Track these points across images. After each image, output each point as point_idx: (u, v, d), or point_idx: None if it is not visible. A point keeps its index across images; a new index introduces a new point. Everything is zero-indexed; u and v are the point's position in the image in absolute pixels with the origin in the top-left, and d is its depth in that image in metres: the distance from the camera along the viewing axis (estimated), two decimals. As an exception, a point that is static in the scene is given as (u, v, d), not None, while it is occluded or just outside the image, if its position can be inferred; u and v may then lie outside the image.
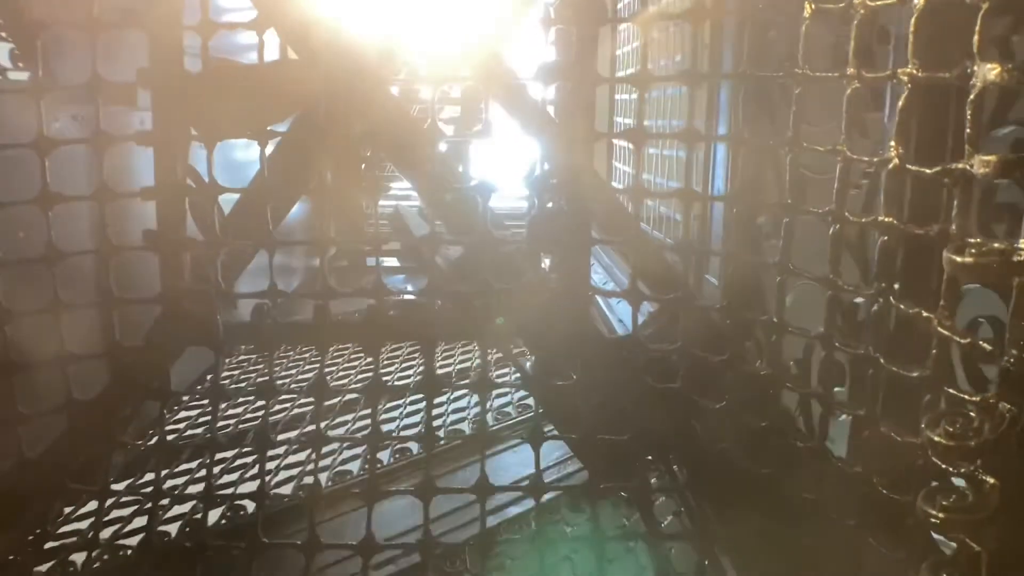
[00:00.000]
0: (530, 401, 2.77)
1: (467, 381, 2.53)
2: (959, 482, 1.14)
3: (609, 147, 4.14)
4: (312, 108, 2.00)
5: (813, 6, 1.52)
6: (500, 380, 2.78)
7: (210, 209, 1.89)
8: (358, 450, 2.51)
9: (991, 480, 1.12)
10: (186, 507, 2.17)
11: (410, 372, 3.29)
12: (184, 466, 2.40)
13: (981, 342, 1.17)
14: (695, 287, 1.81)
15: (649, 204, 3.02)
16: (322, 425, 2.02)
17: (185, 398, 2.78)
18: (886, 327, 1.45)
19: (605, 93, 3.88)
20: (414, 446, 2.47)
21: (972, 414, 1.15)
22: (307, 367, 3.27)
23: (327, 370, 2.04)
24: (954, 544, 1.16)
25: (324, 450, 2.27)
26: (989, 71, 1.07)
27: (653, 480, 2.02)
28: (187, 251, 1.93)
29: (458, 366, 3.31)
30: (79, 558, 1.97)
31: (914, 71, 1.28)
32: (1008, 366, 1.10)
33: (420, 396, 2.75)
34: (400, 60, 2.04)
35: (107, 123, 1.85)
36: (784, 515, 1.73)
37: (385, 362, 3.34)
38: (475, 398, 2.51)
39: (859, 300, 1.54)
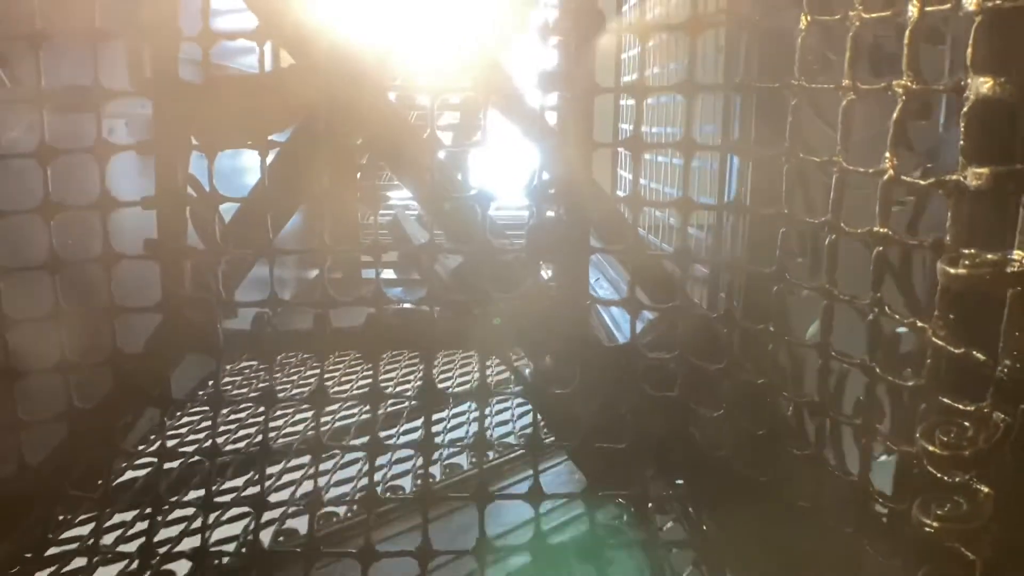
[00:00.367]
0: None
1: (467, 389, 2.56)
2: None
3: (614, 155, 4.12)
4: (312, 117, 2.02)
5: (809, 18, 1.53)
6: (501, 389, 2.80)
7: (211, 218, 1.91)
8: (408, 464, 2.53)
9: (985, 489, 1.13)
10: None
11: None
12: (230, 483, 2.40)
13: (975, 352, 1.18)
14: (709, 304, 1.81)
15: (658, 214, 3.03)
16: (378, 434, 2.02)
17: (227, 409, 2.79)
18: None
19: (609, 99, 3.88)
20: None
21: (966, 424, 1.16)
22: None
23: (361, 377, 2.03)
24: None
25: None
26: (982, 84, 1.08)
27: (652, 487, 2.03)
28: (188, 260, 1.94)
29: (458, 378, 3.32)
30: (80, 562, 1.97)
31: (908, 83, 1.29)
32: (1002, 376, 1.11)
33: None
34: (399, 68, 2.05)
35: (74, 130, 1.85)
36: (783, 522, 1.74)
37: (403, 372, 3.37)
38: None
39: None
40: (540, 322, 1.96)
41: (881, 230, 1.36)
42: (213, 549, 1.95)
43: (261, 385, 3.05)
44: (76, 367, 1.94)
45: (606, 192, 2.03)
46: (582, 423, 1.97)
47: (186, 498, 2.12)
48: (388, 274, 4.31)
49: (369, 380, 2.03)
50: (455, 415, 2.93)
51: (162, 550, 1.97)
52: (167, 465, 2.10)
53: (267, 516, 2.06)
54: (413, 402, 2.50)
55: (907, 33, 1.28)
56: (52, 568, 1.95)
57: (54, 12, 1.85)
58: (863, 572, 1.57)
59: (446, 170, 2.10)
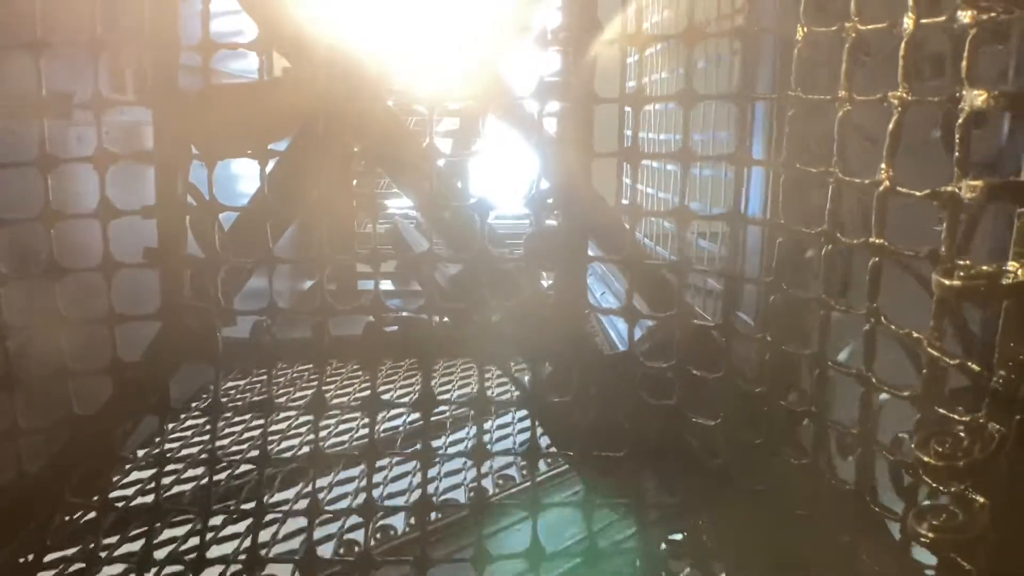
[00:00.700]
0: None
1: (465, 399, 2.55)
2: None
3: (619, 163, 4.12)
4: (311, 125, 2.03)
5: (806, 29, 1.54)
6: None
7: (210, 227, 1.91)
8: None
9: (981, 500, 1.13)
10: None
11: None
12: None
13: (970, 363, 1.19)
14: (725, 323, 1.80)
15: (667, 225, 3.00)
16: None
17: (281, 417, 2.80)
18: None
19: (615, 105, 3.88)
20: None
21: (961, 434, 1.17)
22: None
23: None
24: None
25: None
26: (976, 97, 1.09)
27: (650, 495, 2.03)
28: (188, 268, 1.94)
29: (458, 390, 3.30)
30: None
31: (904, 94, 1.30)
32: (997, 386, 1.12)
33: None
34: (399, 75, 2.06)
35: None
36: (780, 529, 1.75)
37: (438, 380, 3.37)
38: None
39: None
40: (539, 330, 1.96)
41: (877, 241, 1.36)
42: (210, 556, 1.96)
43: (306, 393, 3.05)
44: (76, 374, 1.95)
45: (605, 201, 2.02)
46: (580, 431, 1.97)
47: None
48: (384, 285, 4.31)
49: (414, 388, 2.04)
50: (499, 426, 2.92)
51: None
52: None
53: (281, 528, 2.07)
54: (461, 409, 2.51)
55: (902, 45, 1.29)
56: (52, 572, 1.95)
57: (52, 19, 1.86)
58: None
59: (445, 178, 2.11)
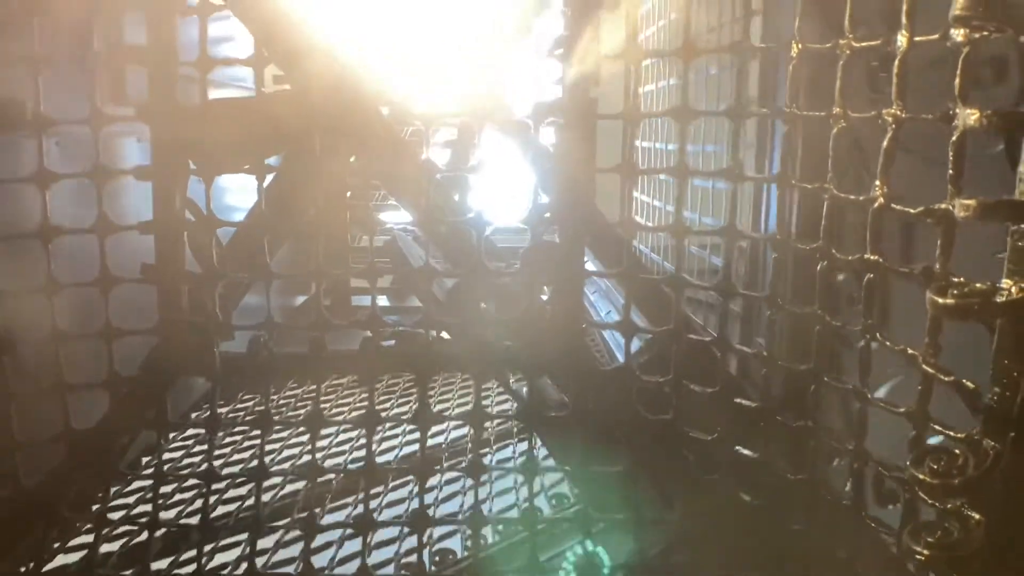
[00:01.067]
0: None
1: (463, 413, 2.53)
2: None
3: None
4: (308, 139, 2.03)
5: (800, 46, 1.55)
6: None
7: (208, 242, 1.91)
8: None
9: (976, 516, 1.13)
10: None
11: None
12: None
13: (964, 380, 1.19)
14: (720, 338, 1.79)
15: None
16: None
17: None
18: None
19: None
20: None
21: (957, 451, 1.17)
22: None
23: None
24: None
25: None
26: (969, 116, 1.10)
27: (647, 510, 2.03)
28: (185, 284, 1.95)
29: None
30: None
31: (898, 112, 1.30)
32: (991, 403, 1.12)
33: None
34: (396, 87, 2.06)
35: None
36: (778, 544, 1.74)
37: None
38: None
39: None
40: (536, 345, 1.96)
41: (872, 257, 1.37)
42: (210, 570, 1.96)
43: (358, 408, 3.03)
44: (73, 388, 1.95)
45: (604, 215, 2.02)
46: (578, 444, 1.97)
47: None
48: (380, 300, 4.29)
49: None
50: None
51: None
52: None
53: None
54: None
55: (896, 63, 1.29)
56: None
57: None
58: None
59: (443, 191, 2.11)
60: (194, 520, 2.06)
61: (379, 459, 2.21)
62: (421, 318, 2.00)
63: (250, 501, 2.16)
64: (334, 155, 2.02)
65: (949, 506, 1.15)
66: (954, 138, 1.14)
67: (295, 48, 1.98)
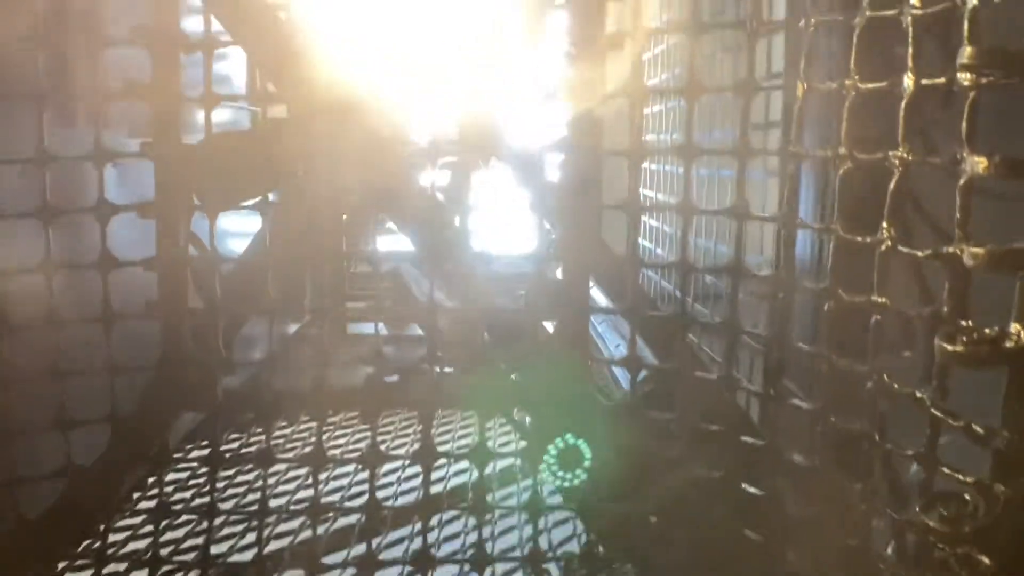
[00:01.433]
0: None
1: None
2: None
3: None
4: (310, 170, 2.02)
5: (806, 85, 1.55)
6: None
7: (211, 277, 1.91)
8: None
9: (987, 561, 1.13)
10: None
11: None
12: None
13: (974, 425, 1.18)
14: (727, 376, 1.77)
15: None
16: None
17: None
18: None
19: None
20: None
21: (967, 496, 1.16)
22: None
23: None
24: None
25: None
26: (977, 163, 1.09)
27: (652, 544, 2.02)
28: (189, 321, 1.94)
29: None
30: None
31: (904, 154, 1.30)
32: (1001, 447, 1.12)
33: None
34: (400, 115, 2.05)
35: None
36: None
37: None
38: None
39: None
40: (541, 381, 1.95)
41: (880, 299, 1.36)
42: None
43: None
44: (74, 423, 1.94)
45: (611, 249, 2.02)
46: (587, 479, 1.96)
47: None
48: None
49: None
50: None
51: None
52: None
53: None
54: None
55: (903, 105, 1.29)
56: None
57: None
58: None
59: (446, 217, 2.09)
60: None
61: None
62: (425, 354, 1.98)
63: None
64: (334, 186, 2.01)
65: (959, 551, 1.15)
66: (961, 183, 1.14)
67: (296, 78, 1.97)
